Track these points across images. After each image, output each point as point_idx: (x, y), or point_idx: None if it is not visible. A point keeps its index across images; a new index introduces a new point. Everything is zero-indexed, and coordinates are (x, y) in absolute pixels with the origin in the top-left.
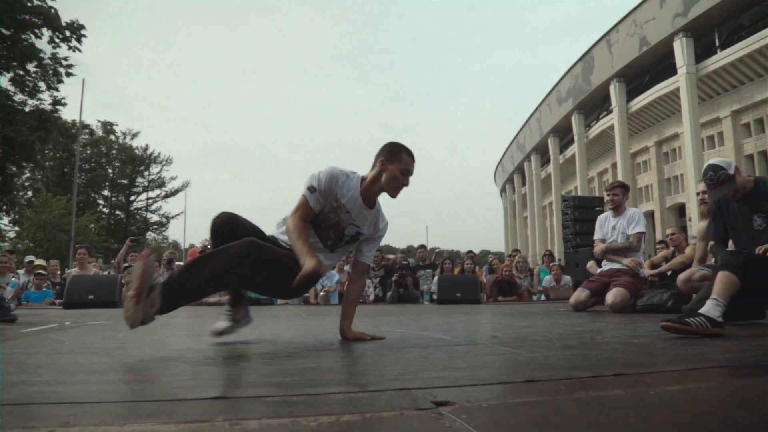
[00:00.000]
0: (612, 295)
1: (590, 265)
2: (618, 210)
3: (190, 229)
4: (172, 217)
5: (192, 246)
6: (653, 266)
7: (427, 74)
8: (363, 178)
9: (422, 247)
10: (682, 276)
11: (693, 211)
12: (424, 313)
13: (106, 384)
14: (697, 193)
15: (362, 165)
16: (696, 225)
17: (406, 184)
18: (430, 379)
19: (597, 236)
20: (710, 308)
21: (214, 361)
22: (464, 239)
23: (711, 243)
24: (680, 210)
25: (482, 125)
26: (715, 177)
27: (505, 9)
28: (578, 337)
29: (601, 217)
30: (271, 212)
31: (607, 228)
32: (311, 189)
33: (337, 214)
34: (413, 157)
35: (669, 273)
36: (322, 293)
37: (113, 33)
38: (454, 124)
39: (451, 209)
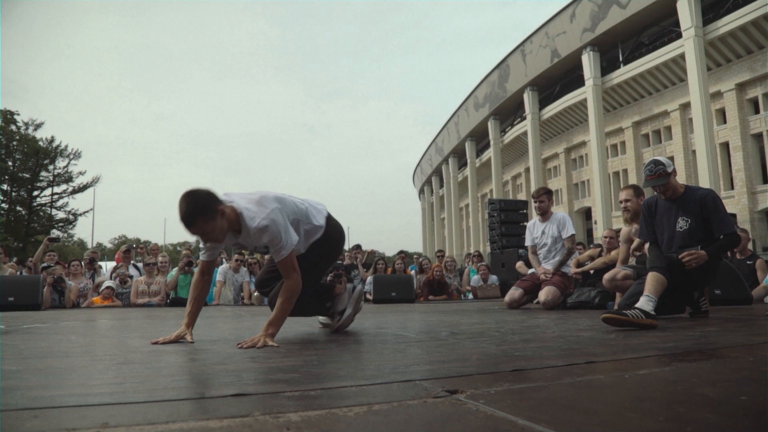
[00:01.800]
0: (544, 293)
1: (519, 265)
2: (545, 215)
3: (98, 226)
4: (80, 215)
5: (101, 245)
6: (578, 265)
7: (347, 75)
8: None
9: (357, 246)
10: (607, 275)
11: (598, 214)
12: (364, 312)
13: (105, 385)
14: (620, 201)
15: (280, 162)
16: (601, 228)
17: None
18: (426, 371)
19: (528, 242)
20: (643, 303)
21: (197, 362)
22: (384, 240)
23: (638, 243)
24: (587, 213)
25: (402, 127)
26: (654, 170)
27: (426, 14)
28: (531, 331)
29: (529, 224)
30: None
31: (537, 233)
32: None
33: (239, 245)
34: None
35: (592, 272)
36: (255, 294)
37: (16, 18)
38: (374, 125)
39: (370, 210)
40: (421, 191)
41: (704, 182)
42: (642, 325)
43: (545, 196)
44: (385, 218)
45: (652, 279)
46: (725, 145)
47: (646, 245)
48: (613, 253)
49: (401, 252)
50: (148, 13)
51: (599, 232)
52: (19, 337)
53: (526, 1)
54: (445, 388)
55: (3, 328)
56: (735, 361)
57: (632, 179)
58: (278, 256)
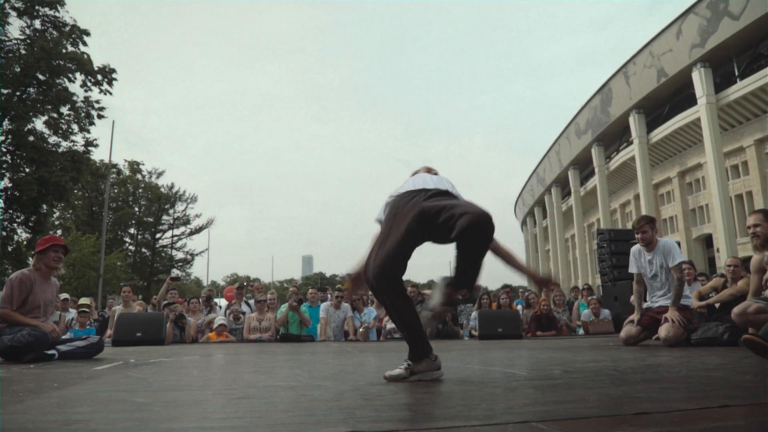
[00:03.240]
0: (665, 329)
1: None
2: (650, 245)
3: (212, 265)
4: (197, 255)
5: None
6: (701, 297)
7: (441, 108)
8: None
9: None
10: (737, 309)
11: (720, 241)
12: (470, 348)
13: (228, 419)
14: (748, 227)
15: (379, 199)
16: (724, 256)
17: None
18: (541, 412)
19: (632, 269)
20: None
21: (309, 397)
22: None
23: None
24: (707, 240)
25: (499, 158)
26: None
27: (519, 41)
28: (653, 370)
29: (634, 250)
30: (286, 247)
31: (644, 262)
32: None
33: None
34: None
35: (717, 305)
36: (361, 330)
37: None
38: (471, 157)
39: None
40: (524, 222)
41: None
42: None
43: (648, 226)
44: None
45: None
46: None
47: None
48: (740, 283)
49: (506, 286)
50: (253, 63)
51: (722, 261)
52: (148, 370)
53: (626, 21)
54: (564, 431)
55: (133, 361)
56: None
57: (758, 202)
58: None
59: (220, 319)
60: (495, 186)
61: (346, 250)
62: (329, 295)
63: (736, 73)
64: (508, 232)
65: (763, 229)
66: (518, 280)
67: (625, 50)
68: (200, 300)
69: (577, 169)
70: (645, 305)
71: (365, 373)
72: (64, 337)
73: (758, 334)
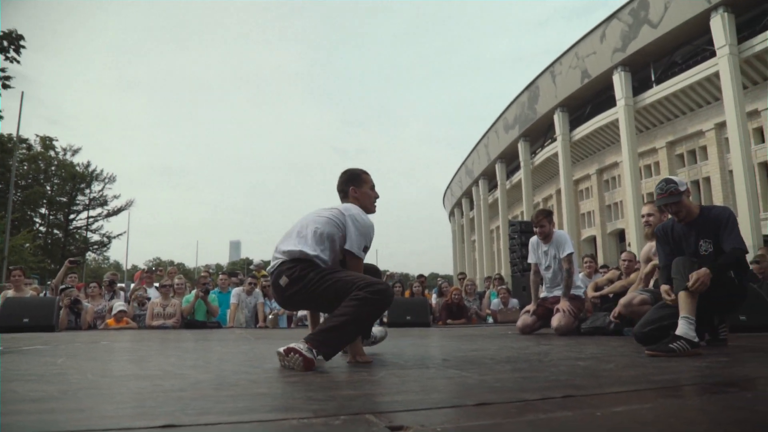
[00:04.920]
0: (557, 319)
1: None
2: (548, 238)
3: (132, 249)
4: (114, 237)
5: (136, 267)
6: (597, 288)
7: (377, 99)
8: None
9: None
10: (622, 300)
11: (632, 236)
12: None
13: (41, 413)
14: (642, 216)
15: (313, 187)
16: (636, 248)
17: (378, 196)
18: (384, 404)
19: (531, 260)
20: (686, 329)
21: (160, 387)
22: (414, 262)
23: (651, 267)
24: (620, 235)
25: (434, 151)
26: (665, 188)
27: (455, 39)
28: (526, 359)
29: (533, 241)
30: (213, 232)
31: (540, 254)
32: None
33: None
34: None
35: (611, 295)
36: (270, 316)
37: (58, 47)
38: (406, 149)
39: (401, 233)
40: (452, 214)
41: (742, 203)
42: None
43: (545, 220)
44: (416, 241)
45: (685, 299)
46: (764, 165)
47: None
48: (632, 276)
49: (420, 275)
50: (186, 43)
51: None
52: (7, 359)
53: (558, 23)
54: (391, 424)
55: (0, 348)
56: (730, 397)
57: None
58: None
59: (119, 304)
60: (426, 177)
61: (276, 235)
62: (242, 281)
63: (653, 78)
64: (438, 224)
65: (656, 219)
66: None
67: (555, 51)
68: (102, 285)
69: (504, 162)
70: (542, 295)
71: (240, 362)
72: None
73: (659, 347)
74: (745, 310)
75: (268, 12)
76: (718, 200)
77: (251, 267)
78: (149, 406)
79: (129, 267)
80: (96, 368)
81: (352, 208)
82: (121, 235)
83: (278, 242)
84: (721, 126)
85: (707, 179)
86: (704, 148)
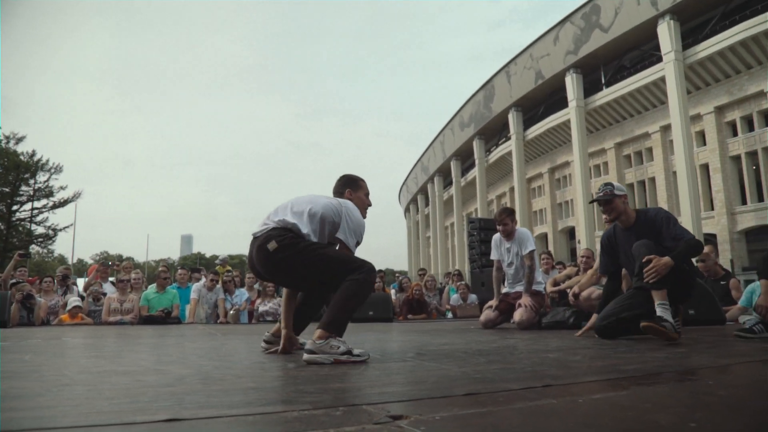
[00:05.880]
0: (519, 314)
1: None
2: (510, 236)
3: (80, 242)
4: (60, 230)
5: (82, 261)
6: (555, 284)
7: (337, 94)
8: None
9: None
10: (583, 294)
11: (582, 233)
12: None
13: (33, 409)
14: (580, 256)
15: (268, 180)
16: (586, 245)
17: (371, 204)
18: (375, 395)
19: (493, 256)
20: (666, 315)
21: (144, 383)
22: (369, 258)
23: (596, 268)
24: (571, 233)
25: (390, 146)
26: (602, 189)
27: (413, 36)
28: (498, 352)
29: (495, 238)
30: (164, 226)
31: (503, 251)
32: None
33: None
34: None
35: (569, 290)
36: (232, 312)
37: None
38: (361, 144)
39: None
40: (407, 210)
41: (684, 203)
42: (672, 340)
43: (508, 218)
44: (372, 237)
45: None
46: (705, 167)
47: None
48: (590, 272)
49: (380, 271)
50: (139, 30)
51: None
52: None
53: (514, 24)
54: (390, 414)
55: None
56: (694, 384)
57: None
58: None
59: (74, 300)
60: (382, 173)
61: (228, 230)
62: (203, 276)
63: (603, 81)
64: (394, 219)
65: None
66: (393, 264)
67: (511, 51)
68: (55, 279)
69: (459, 160)
70: (504, 291)
71: (216, 357)
72: None
73: (655, 320)
74: (694, 305)
75: (224, 3)
76: (662, 200)
77: (216, 262)
78: (144, 402)
79: (75, 261)
80: (69, 365)
81: (350, 203)
82: (67, 227)
83: (269, 213)
84: (666, 129)
85: (653, 179)
86: (650, 150)
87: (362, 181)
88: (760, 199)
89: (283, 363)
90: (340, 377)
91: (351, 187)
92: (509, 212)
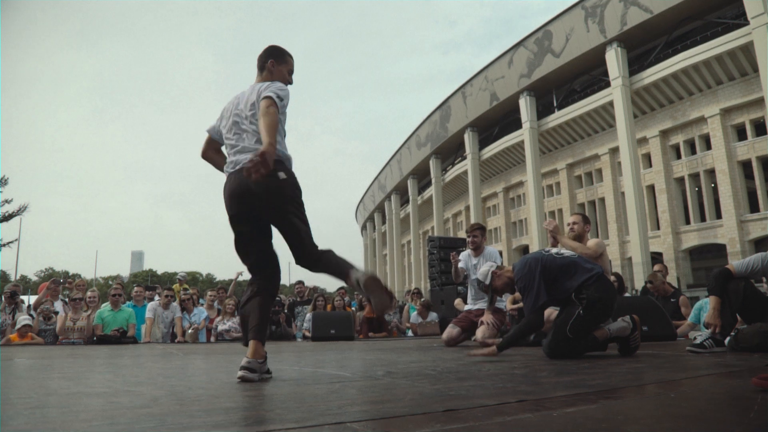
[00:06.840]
0: (481, 331)
1: (457, 302)
2: (478, 250)
3: (23, 258)
4: (5, 245)
5: (26, 278)
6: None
7: (292, 111)
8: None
9: (300, 282)
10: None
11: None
12: (303, 350)
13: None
14: (568, 224)
15: (218, 197)
16: None
17: (291, 83)
18: (358, 413)
19: (461, 266)
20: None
21: (119, 404)
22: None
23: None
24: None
25: (347, 165)
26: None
27: (369, 56)
28: (466, 370)
29: (464, 254)
30: (113, 241)
31: (470, 266)
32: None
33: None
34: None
35: None
36: (190, 331)
37: None
38: (317, 162)
39: None
40: (364, 227)
41: (632, 222)
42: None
43: (479, 231)
44: None
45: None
46: (651, 188)
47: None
48: None
49: (341, 288)
50: (93, 41)
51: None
52: None
53: (470, 47)
54: (376, 431)
55: None
56: (658, 397)
57: (566, 218)
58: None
59: (24, 318)
60: (338, 190)
61: (180, 246)
62: (157, 295)
63: (555, 104)
64: (350, 237)
65: (579, 228)
66: None
67: (467, 73)
68: (2, 297)
69: (416, 178)
70: (466, 308)
71: (186, 377)
72: None
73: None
74: (648, 321)
75: (179, 17)
76: (611, 219)
77: (178, 278)
78: (124, 423)
79: (18, 277)
80: (33, 386)
81: (270, 83)
82: (11, 242)
83: (224, 134)
84: (615, 151)
85: (602, 200)
86: (600, 171)
87: (290, 56)
88: (703, 219)
89: (256, 382)
90: (317, 396)
91: (275, 57)
92: (480, 227)
